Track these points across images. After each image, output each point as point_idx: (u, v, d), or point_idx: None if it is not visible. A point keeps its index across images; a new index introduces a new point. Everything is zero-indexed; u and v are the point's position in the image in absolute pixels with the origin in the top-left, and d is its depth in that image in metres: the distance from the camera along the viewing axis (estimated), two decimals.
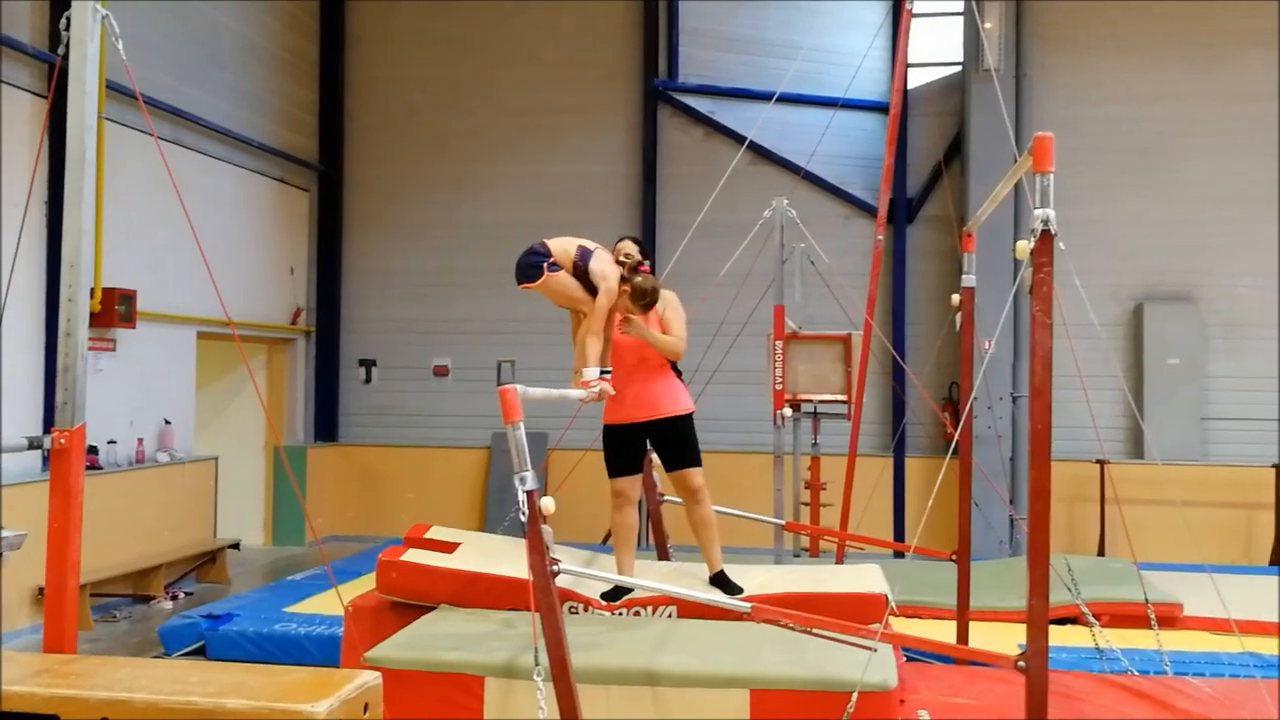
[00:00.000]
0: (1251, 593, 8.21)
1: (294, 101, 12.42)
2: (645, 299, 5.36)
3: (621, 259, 5.52)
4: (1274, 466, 10.82)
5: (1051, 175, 3.67)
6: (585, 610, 5.27)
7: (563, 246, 5.45)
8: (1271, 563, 10.69)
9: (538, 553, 3.77)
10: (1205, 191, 11.70)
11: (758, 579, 5.51)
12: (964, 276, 5.87)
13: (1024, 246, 3.69)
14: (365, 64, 13.02)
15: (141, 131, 9.07)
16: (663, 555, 6.61)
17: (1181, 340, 11.48)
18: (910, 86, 12.13)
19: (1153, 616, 5.91)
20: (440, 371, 12.80)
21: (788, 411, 8.70)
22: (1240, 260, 11.64)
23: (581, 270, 5.35)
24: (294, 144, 12.35)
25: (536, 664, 3.82)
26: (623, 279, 5.36)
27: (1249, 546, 11.12)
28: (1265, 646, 6.68)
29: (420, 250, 12.86)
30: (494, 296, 12.57)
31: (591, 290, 5.34)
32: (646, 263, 5.57)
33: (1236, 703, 4.98)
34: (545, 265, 5.34)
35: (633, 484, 5.62)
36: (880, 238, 8.65)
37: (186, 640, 7.30)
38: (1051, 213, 3.63)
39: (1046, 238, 3.64)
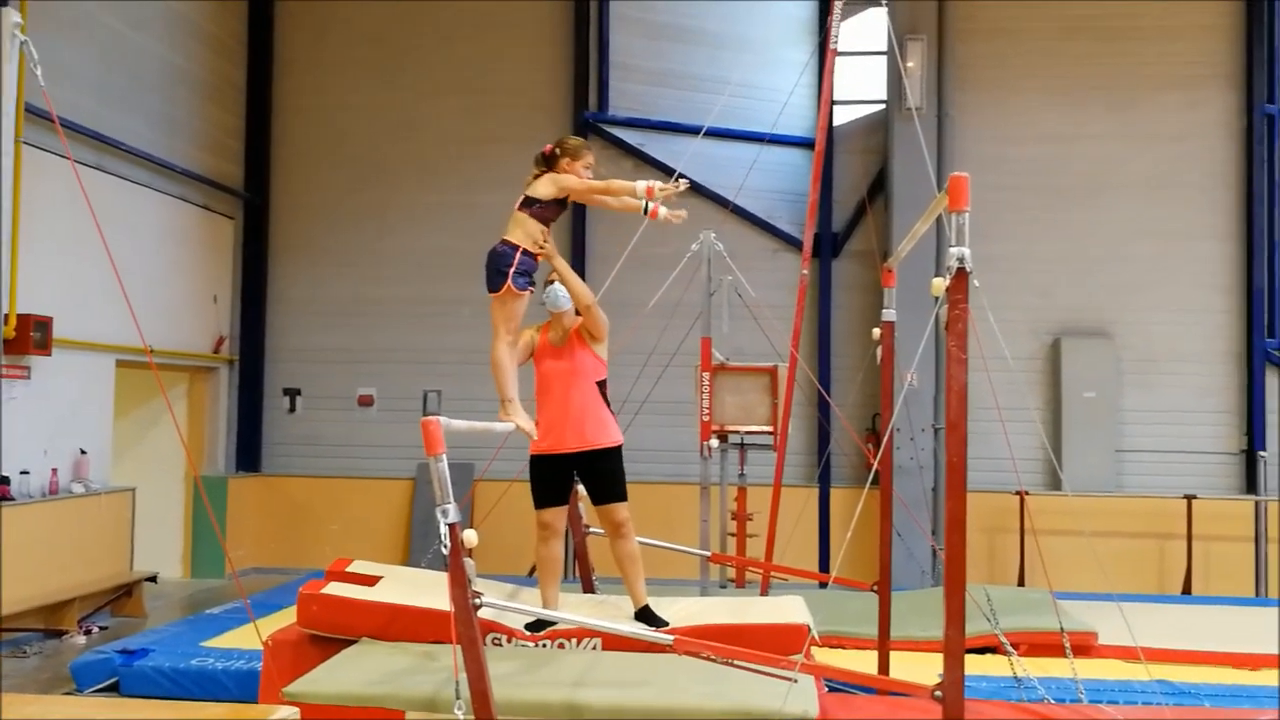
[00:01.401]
0: (1164, 621, 8.43)
1: (220, 128, 12.29)
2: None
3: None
4: (1185, 498, 11.11)
5: (967, 214, 3.75)
6: (509, 642, 5.24)
7: (522, 228, 5.19)
8: (1183, 592, 10.96)
9: (460, 586, 3.76)
10: (1121, 229, 12.04)
11: (682, 611, 5.53)
12: (884, 311, 5.97)
13: (940, 283, 3.77)
14: (294, 91, 12.93)
15: (62, 156, 8.92)
16: (588, 588, 6.60)
17: (1097, 374, 11.77)
18: (836, 124, 12.35)
19: (1068, 645, 6.01)
20: (365, 401, 12.68)
21: (715, 442, 8.77)
22: (1153, 297, 11.98)
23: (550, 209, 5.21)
24: (219, 170, 12.21)
25: (458, 697, 3.80)
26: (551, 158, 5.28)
27: (1162, 576, 11.39)
28: (1177, 674, 6.86)
29: (347, 278, 12.75)
30: (421, 326, 12.53)
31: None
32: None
33: None
34: (510, 271, 5.09)
35: (559, 516, 5.61)
36: (805, 272, 8.77)
37: (99, 676, 7.11)
38: (967, 250, 3.71)
39: (962, 275, 3.72)
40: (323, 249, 12.83)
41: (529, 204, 5.19)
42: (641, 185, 5.13)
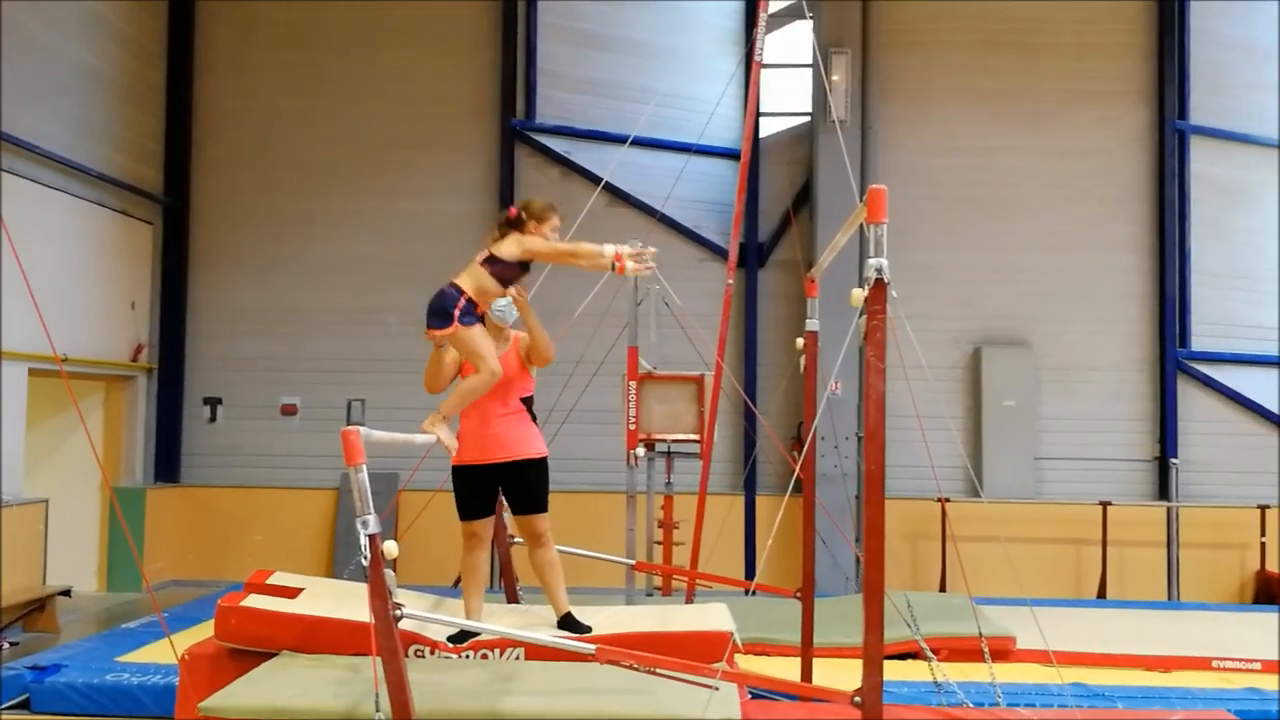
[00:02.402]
0: (1081, 625, 8.60)
1: (138, 131, 12.06)
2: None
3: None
4: (1101, 504, 11.37)
5: (885, 226, 3.81)
6: (432, 653, 5.21)
7: (476, 280, 5.16)
8: (1099, 596, 11.20)
9: (380, 597, 3.73)
10: (1039, 241, 12.30)
11: (605, 619, 5.53)
12: (808, 321, 6.03)
13: (859, 294, 3.81)
14: (215, 94, 12.73)
15: None
16: (512, 598, 6.57)
17: (1016, 383, 12.00)
18: (762, 135, 12.47)
19: (986, 650, 6.12)
20: (289, 410, 12.50)
21: (641, 451, 8.79)
22: (1070, 307, 12.26)
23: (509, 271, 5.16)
24: (137, 174, 11.98)
25: (378, 710, 3.76)
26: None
27: (1079, 580, 11.64)
28: (1092, 677, 7.00)
29: (270, 286, 12.58)
30: (345, 334, 12.40)
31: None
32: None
33: None
34: (456, 312, 5.06)
35: (486, 526, 5.61)
36: (730, 281, 8.82)
37: (9, 694, 6.90)
38: (884, 261, 3.76)
39: (880, 285, 3.76)
40: (245, 255, 12.63)
41: (491, 261, 5.14)
42: (609, 250, 5.07)
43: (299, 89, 12.70)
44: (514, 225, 5.23)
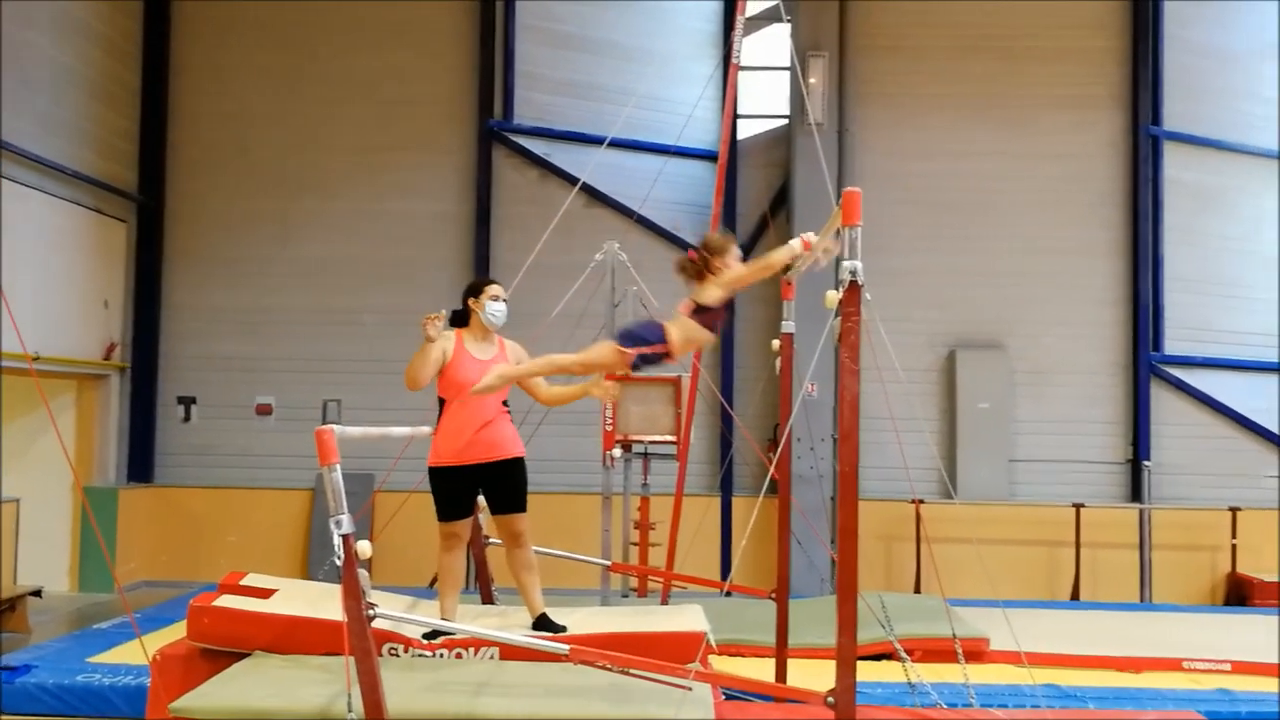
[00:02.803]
0: (1054, 626, 8.67)
1: (113, 130, 11.97)
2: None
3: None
4: (1074, 506, 11.45)
5: (860, 228, 3.83)
6: (406, 652, 5.20)
7: (685, 332, 4.98)
8: (1072, 598, 11.28)
9: (353, 597, 3.72)
10: (1015, 245, 12.37)
11: (580, 619, 5.54)
12: (784, 323, 6.06)
13: (833, 296, 3.84)
14: (191, 94, 12.65)
15: None
16: (487, 598, 6.56)
17: (991, 385, 12.07)
18: (740, 137, 12.50)
19: (960, 651, 6.15)
20: (264, 410, 12.44)
21: (617, 452, 8.80)
22: (1045, 310, 12.34)
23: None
24: (112, 173, 11.89)
25: (350, 709, 3.76)
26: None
27: (1052, 582, 11.71)
28: (1064, 678, 7.06)
29: (245, 285, 12.51)
30: (322, 334, 12.35)
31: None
32: None
33: None
34: (640, 352, 4.90)
35: (465, 527, 5.63)
36: None
37: None
38: (859, 264, 3.79)
39: (854, 288, 3.79)
40: (221, 255, 12.56)
41: (699, 311, 4.97)
42: (796, 243, 4.81)
43: (276, 89, 12.65)
44: (703, 269, 5.02)
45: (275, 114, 12.62)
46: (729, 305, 5.07)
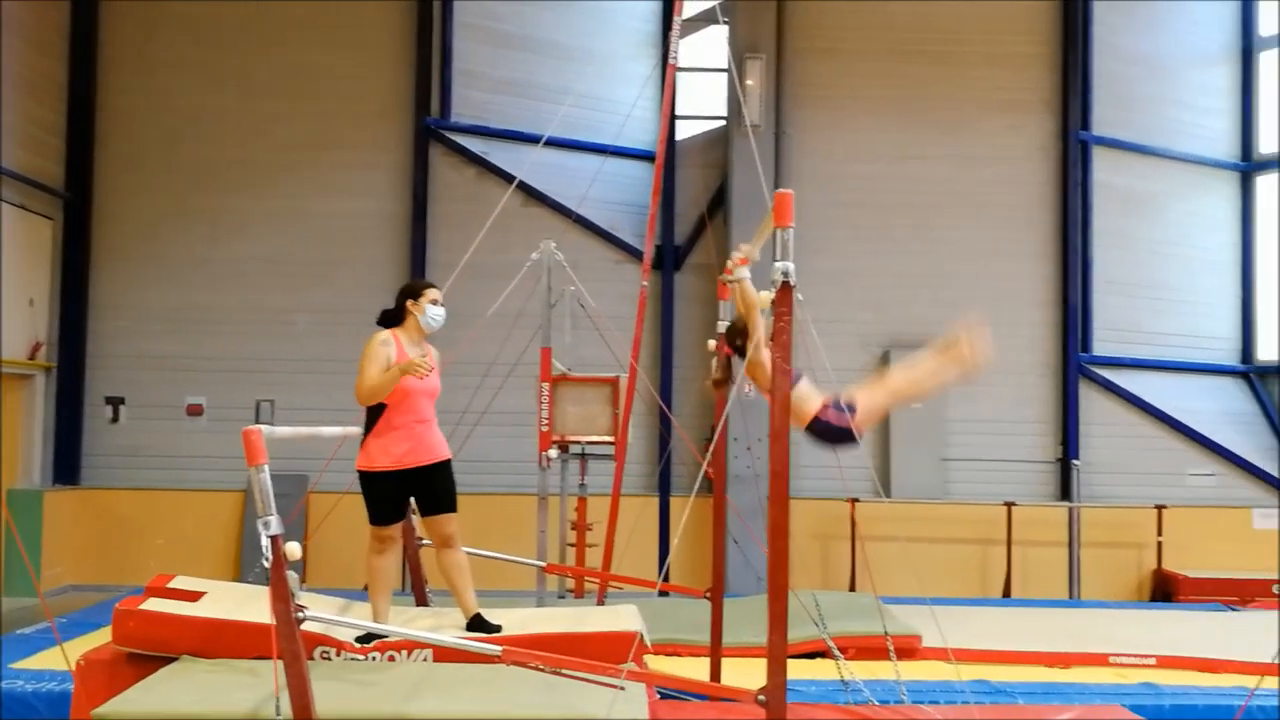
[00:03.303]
0: (985, 623, 8.78)
1: (39, 125, 11.70)
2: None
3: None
4: (1006, 505, 11.62)
5: (791, 230, 3.86)
6: (338, 655, 5.14)
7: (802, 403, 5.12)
8: (1004, 595, 11.45)
9: (282, 599, 3.68)
10: (948, 247, 12.52)
11: (515, 620, 5.53)
12: (720, 323, 6.08)
13: (766, 296, 3.86)
14: (120, 89, 12.40)
15: None
16: (421, 600, 6.52)
17: None
18: (679, 138, 12.54)
19: (891, 648, 6.22)
20: (194, 411, 12.23)
21: (554, 453, 8.78)
22: (977, 311, 12.46)
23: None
24: (37, 169, 11.62)
25: (278, 713, 3.71)
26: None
27: (984, 579, 11.88)
28: (995, 674, 7.16)
29: (176, 284, 12.29)
30: (254, 334, 12.17)
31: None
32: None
33: None
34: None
35: (399, 530, 5.63)
36: (646, 283, 8.85)
37: None
38: (791, 265, 3.81)
39: (786, 288, 3.82)
40: (151, 253, 12.33)
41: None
42: (746, 271, 4.96)
43: (207, 85, 12.44)
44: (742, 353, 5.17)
45: (207, 110, 12.41)
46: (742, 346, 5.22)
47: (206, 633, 5.09)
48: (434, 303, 5.58)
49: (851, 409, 4.99)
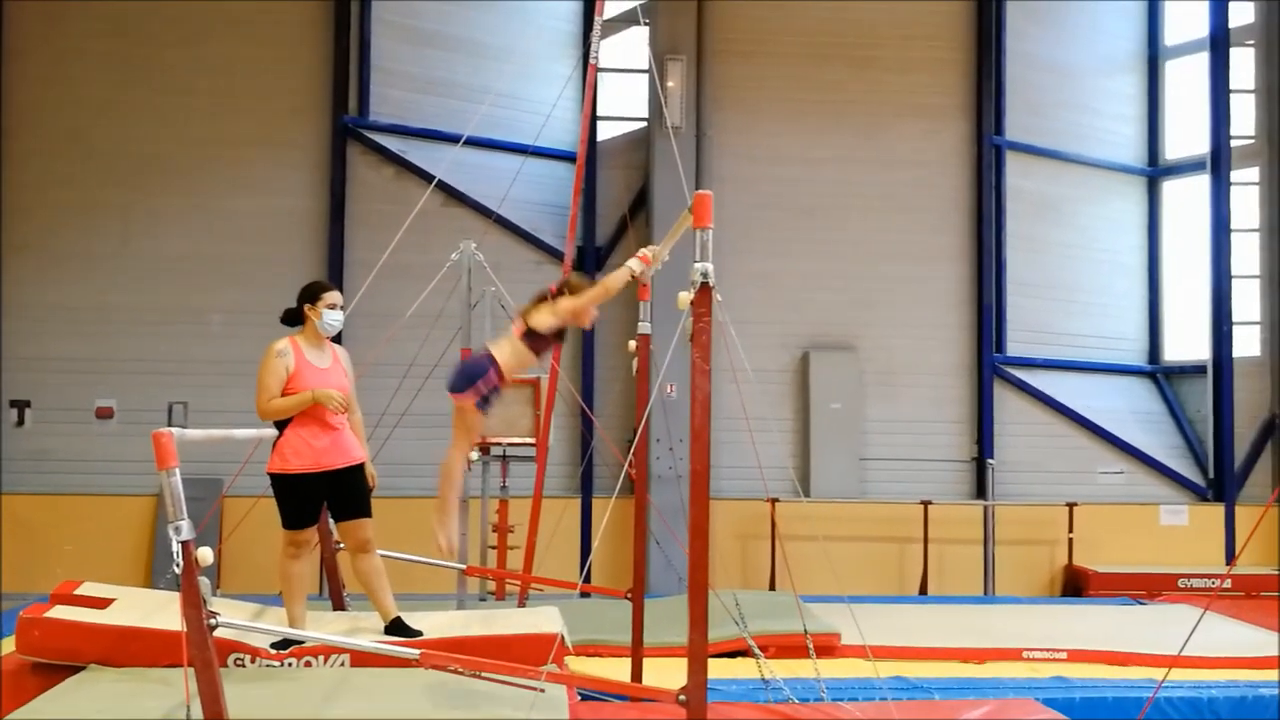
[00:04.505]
0: (903, 620, 8.91)
1: None
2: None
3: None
4: (923, 503, 11.80)
5: (710, 230, 3.87)
6: (253, 662, 5.05)
7: (515, 354, 5.21)
8: (921, 592, 11.62)
9: (193, 606, 3.60)
10: (866, 249, 12.68)
11: (434, 624, 5.47)
12: (640, 324, 6.09)
13: (684, 297, 3.87)
14: (25, 81, 12.02)
15: None
16: (339, 604, 6.43)
17: (843, 386, 12.35)
18: (600, 139, 12.53)
19: (811, 647, 6.29)
20: (104, 413, 11.92)
21: (475, 455, 8.71)
22: (894, 313, 12.69)
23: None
24: None
25: None
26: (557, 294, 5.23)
27: (902, 577, 12.05)
28: (912, 670, 7.26)
29: (85, 283, 11.95)
30: (167, 334, 11.89)
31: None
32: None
33: None
34: (479, 390, 5.11)
35: (314, 533, 5.54)
36: None
37: None
38: (709, 266, 3.83)
39: (705, 289, 3.83)
40: (58, 251, 11.97)
41: (529, 335, 5.16)
42: (635, 264, 5.04)
43: (118, 78, 12.11)
44: (552, 299, 5.20)
45: (118, 104, 12.09)
46: (559, 335, 5.31)
47: (115, 641, 4.97)
48: (331, 307, 5.54)
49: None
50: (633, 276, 5.13)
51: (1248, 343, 13.15)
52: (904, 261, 12.71)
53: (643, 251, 5.01)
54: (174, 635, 4.74)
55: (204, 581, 3.64)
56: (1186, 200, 13.65)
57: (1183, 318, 13.63)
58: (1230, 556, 12.26)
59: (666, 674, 5.90)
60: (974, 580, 11.96)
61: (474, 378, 5.11)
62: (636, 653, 5.95)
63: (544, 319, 5.17)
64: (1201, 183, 13.30)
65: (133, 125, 12.09)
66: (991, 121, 12.84)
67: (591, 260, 12.42)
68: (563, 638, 5.14)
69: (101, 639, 4.97)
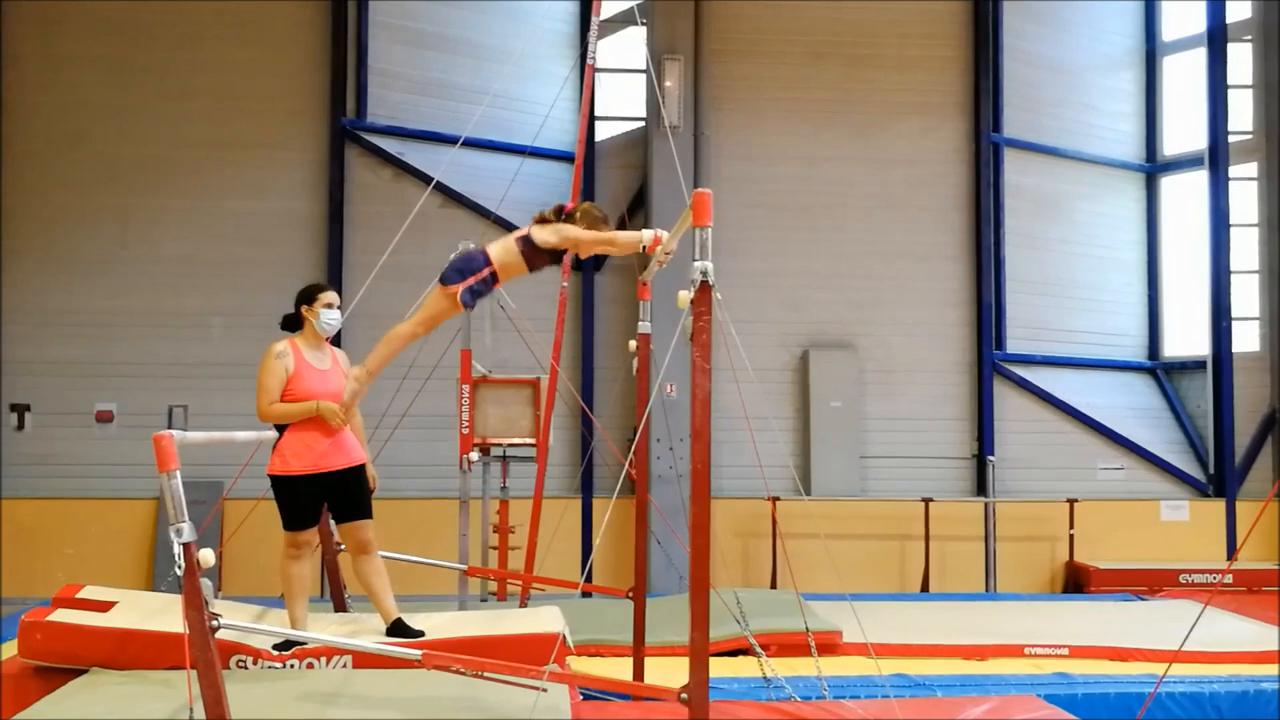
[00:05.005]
0: (905, 618, 8.91)
1: None
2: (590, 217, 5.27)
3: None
4: (923, 500, 11.80)
5: (710, 229, 3.87)
6: (255, 663, 5.05)
7: (506, 253, 5.28)
8: (922, 589, 11.63)
9: (195, 607, 3.60)
10: (865, 248, 12.69)
11: (435, 624, 5.48)
12: (640, 324, 6.09)
13: (684, 296, 3.88)
14: (25, 86, 12.02)
15: None
16: (340, 606, 6.43)
17: (843, 385, 12.35)
18: (598, 139, 12.53)
19: (813, 644, 6.29)
20: (104, 417, 11.92)
21: (475, 455, 8.72)
22: (893, 311, 12.70)
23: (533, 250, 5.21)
24: None
25: None
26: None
27: (903, 575, 12.05)
28: (914, 667, 7.26)
29: (85, 286, 11.95)
30: (166, 337, 11.89)
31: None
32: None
33: None
34: (468, 283, 5.16)
35: (315, 535, 5.55)
36: (565, 284, 8.84)
37: None
38: (709, 264, 3.83)
39: (705, 288, 3.83)
40: (57, 255, 11.97)
41: (526, 241, 5.19)
42: (648, 234, 4.99)
43: (117, 82, 12.11)
44: (562, 218, 5.22)
45: (116, 108, 12.08)
46: (556, 257, 5.32)
47: (117, 643, 4.97)
48: (329, 307, 5.55)
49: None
50: (642, 248, 5.07)
51: (1247, 338, 13.16)
52: (903, 259, 12.71)
53: (658, 231, 4.96)
54: (176, 637, 4.75)
55: (206, 583, 3.64)
56: (1185, 196, 13.66)
57: (1182, 313, 13.63)
58: (1231, 552, 12.26)
59: (668, 673, 5.90)
60: (975, 577, 11.97)
61: (466, 271, 5.13)
62: (638, 652, 5.95)
63: (545, 235, 5.21)
64: (1200, 178, 13.31)
65: (131, 128, 12.09)
66: (990, 119, 12.84)
67: (590, 260, 12.39)
68: (564, 637, 5.14)
69: (104, 642, 4.98)
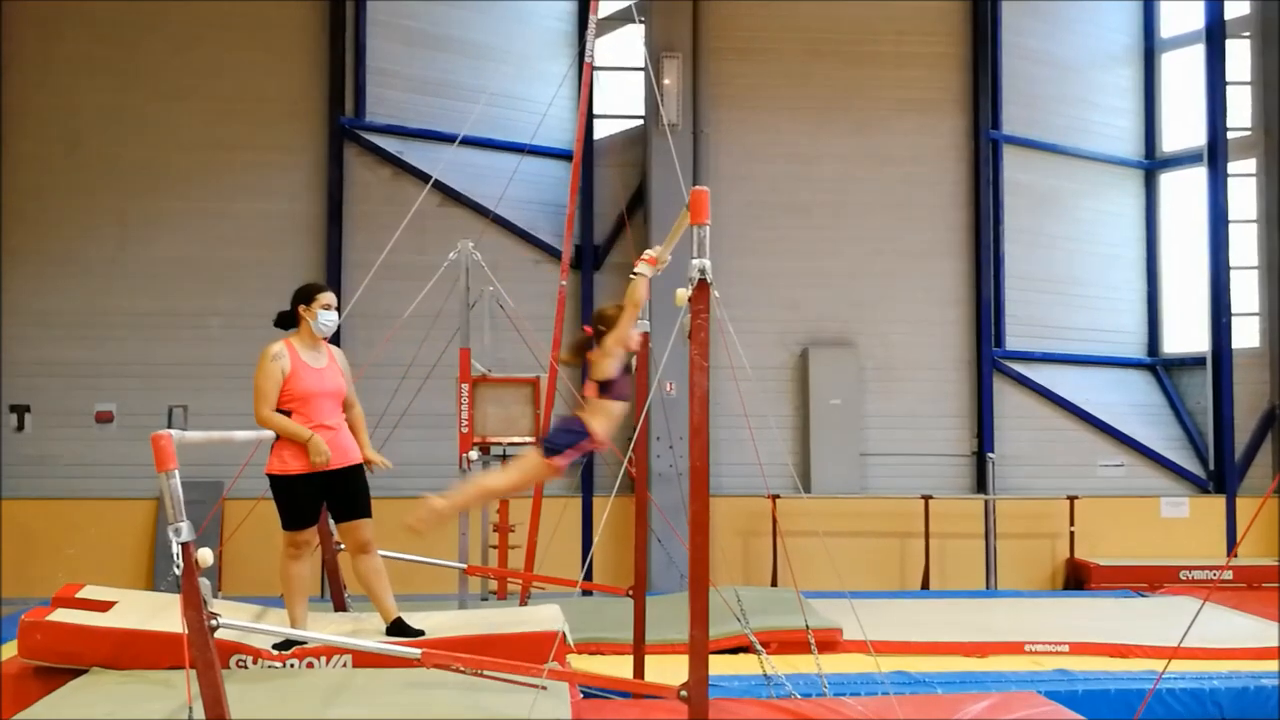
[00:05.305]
0: (905, 615, 8.92)
1: None
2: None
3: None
4: (923, 498, 11.80)
5: (708, 227, 3.87)
6: (255, 663, 5.05)
7: (607, 417, 5.18)
8: (922, 587, 11.63)
9: (194, 607, 3.60)
10: (864, 245, 12.68)
11: (435, 623, 5.48)
12: (639, 321, 6.08)
13: (683, 294, 3.88)
14: (23, 89, 12.00)
15: None
16: (340, 605, 6.43)
17: (842, 382, 12.35)
18: (597, 137, 12.53)
19: (813, 642, 6.29)
20: (104, 418, 11.92)
21: (475, 454, 8.72)
22: (892, 309, 12.69)
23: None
24: None
25: None
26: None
27: (904, 572, 12.05)
28: (914, 665, 7.26)
29: (84, 288, 11.95)
30: (166, 338, 11.88)
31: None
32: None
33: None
34: (566, 456, 5.09)
35: (314, 534, 5.55)
36: (564, 282, 8.84)
37: None
38: (708, 262, 3.83)
39: (703, 286, 3.83)
40: (56, 256, 11.97)
41: (605, 388, 5.09)
42: (644, 268, 4.88)
43: (115, 84, 12.09)
44: (599, 341, 5.14)
45: (114, 109, 12.07)
46: (627, 367, 5.24)
47: (117, 643, 4.97)
48: (326, 308, 5.55)
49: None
50: (648, 281, 5.06)
51: (1247, 334, 13.16)
52: (902, 257, 12.71)
53: (647, 254, 4.94)
54: (176, 637, 4.75)
55: (205, 583, 3.64)
56: (1184, 192, 13.65)
57: (1182, 310, 13.63)
58: (1231, 548, 12.26)
59: (668, 671, 5.89)
60: (975, 574, 11.97)
61: (567, 446, 5.07)
62: (638, 650, 5.95)
63: (606, 367, 5.10)
64: (1199, 175, 13.31)
65: (129, 130, 12.08)
66: (988, 116, 12.84)
67: (589, 258, 12.42)
68: (564, 636, 5.14)
69: (103, 642, 4.98)
